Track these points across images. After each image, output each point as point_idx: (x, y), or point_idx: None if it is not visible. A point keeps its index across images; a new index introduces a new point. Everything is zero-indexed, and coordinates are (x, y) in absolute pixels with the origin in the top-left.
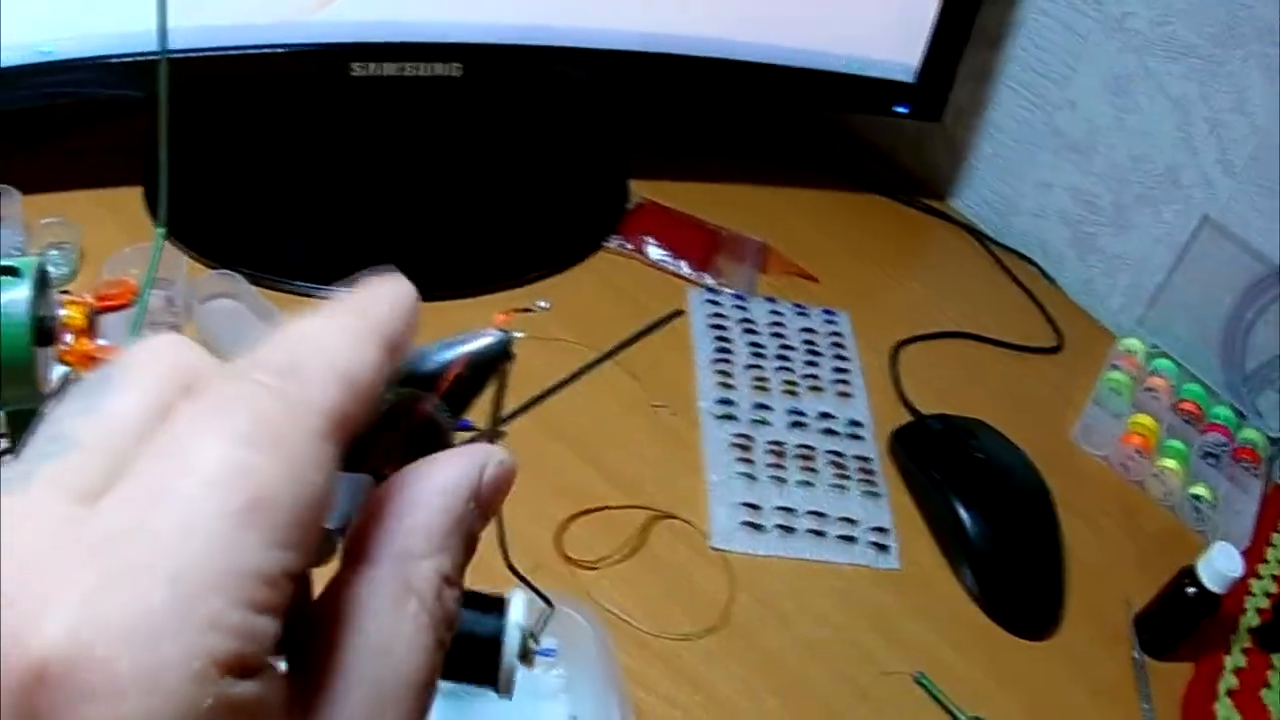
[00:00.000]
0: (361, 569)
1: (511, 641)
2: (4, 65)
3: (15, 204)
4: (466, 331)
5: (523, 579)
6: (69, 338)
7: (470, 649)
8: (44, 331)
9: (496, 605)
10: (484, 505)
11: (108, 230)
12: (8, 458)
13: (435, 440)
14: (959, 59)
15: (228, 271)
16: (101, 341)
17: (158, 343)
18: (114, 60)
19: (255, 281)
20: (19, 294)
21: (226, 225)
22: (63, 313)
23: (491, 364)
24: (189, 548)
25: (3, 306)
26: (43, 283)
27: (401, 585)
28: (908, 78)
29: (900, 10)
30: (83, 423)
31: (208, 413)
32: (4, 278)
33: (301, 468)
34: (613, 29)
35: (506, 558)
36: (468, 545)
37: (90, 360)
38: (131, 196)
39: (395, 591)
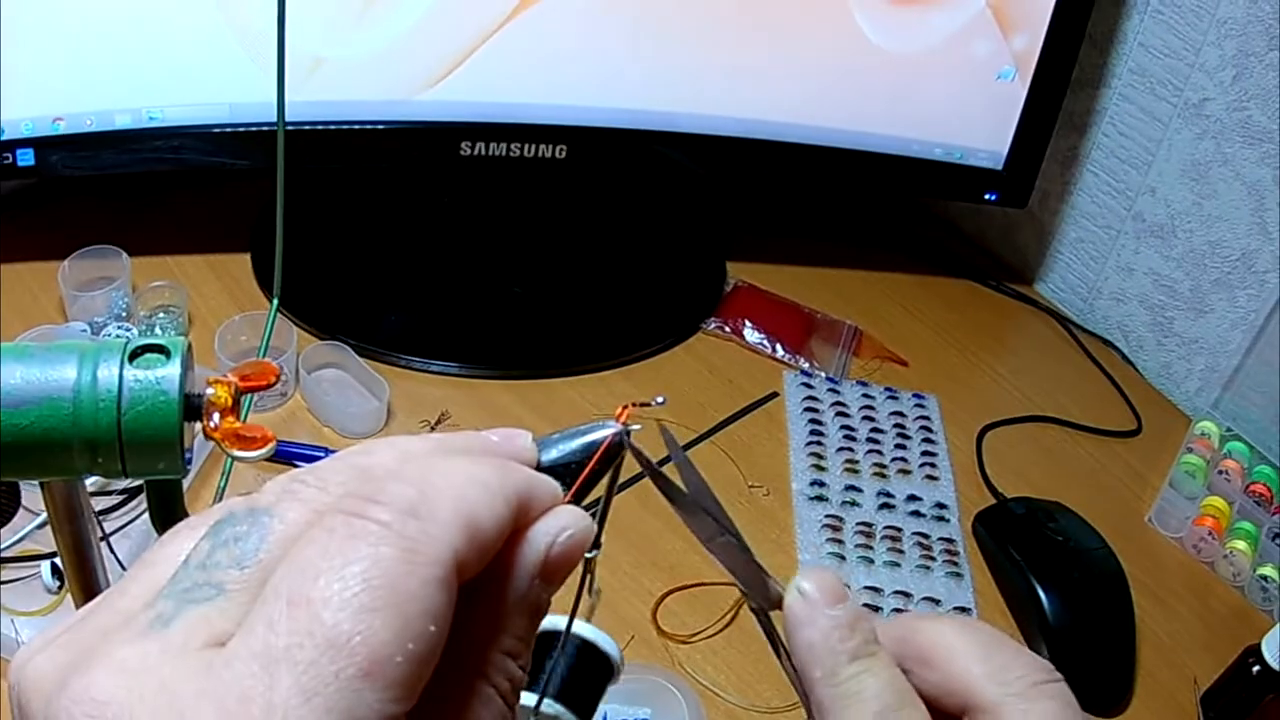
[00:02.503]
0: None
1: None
2: (114, 128)
3: (123, 266)
4: (586, 423)
5: None
6: (216, 417)
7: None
8: (191, 408)
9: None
10: (550, 578)
11: (214, 295)
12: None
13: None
14: (1046, 147)
15: (336, 342)
16: (249, 422)
17: (300, 485)
18: (224, 130)
19: (361, 353)
20: (169, 372)
21: (334, 297)
22: (209, 391)
23: (610, 457)
24: (306, 711)
25: (155, 384)
26: (187, 361)
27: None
28: (996, 165)
29: (988, 99)
30: (228, 572)
31: (330, 557)
32: (155, 356)
33: (417, 622)
34: (712, 114)
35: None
36: (533, 616)
37: (235, 438)
38: (238, 263)
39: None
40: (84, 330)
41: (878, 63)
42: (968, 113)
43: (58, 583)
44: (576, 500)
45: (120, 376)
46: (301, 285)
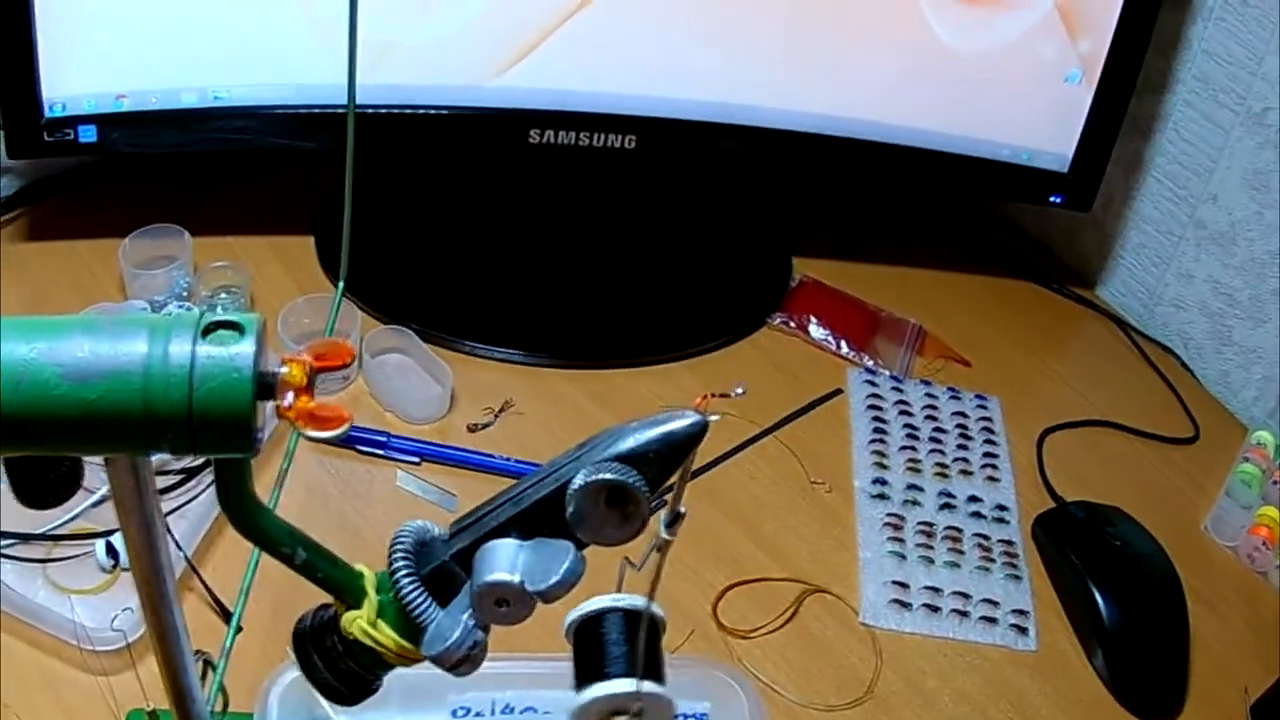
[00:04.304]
0: None
1: None
2: (179, 107)
3: (185, 245)
4: (664, 411)
5: None
6: (290, 396)
7: None
8: (264, 387)
9: None
10: None
11: (277, 277)
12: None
13: (629, 516)
14: (1110, 151)
15: (400, 326)
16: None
17: None
18: (289, 111)
19: (425, 338)
20: (243, 349)
21: (399, 281)
22: (284, 370)
23: (688, 445)
24: None
25: (229, 360)
26: (261, 339)
27: None
28: (1062, 168)
29: (1055, 101)
30: None
31: None
32: (228, 332)
33: None
34: (780, 109)
35: None
36: None
37: (310, 418)
38: (301, 245)
39: None
40: (144, 308)
41: (947, 62)
42: (1034, 114)
43: (112, 561)
44: (653, 488)
45: (193, 352)
46: (366, 269)
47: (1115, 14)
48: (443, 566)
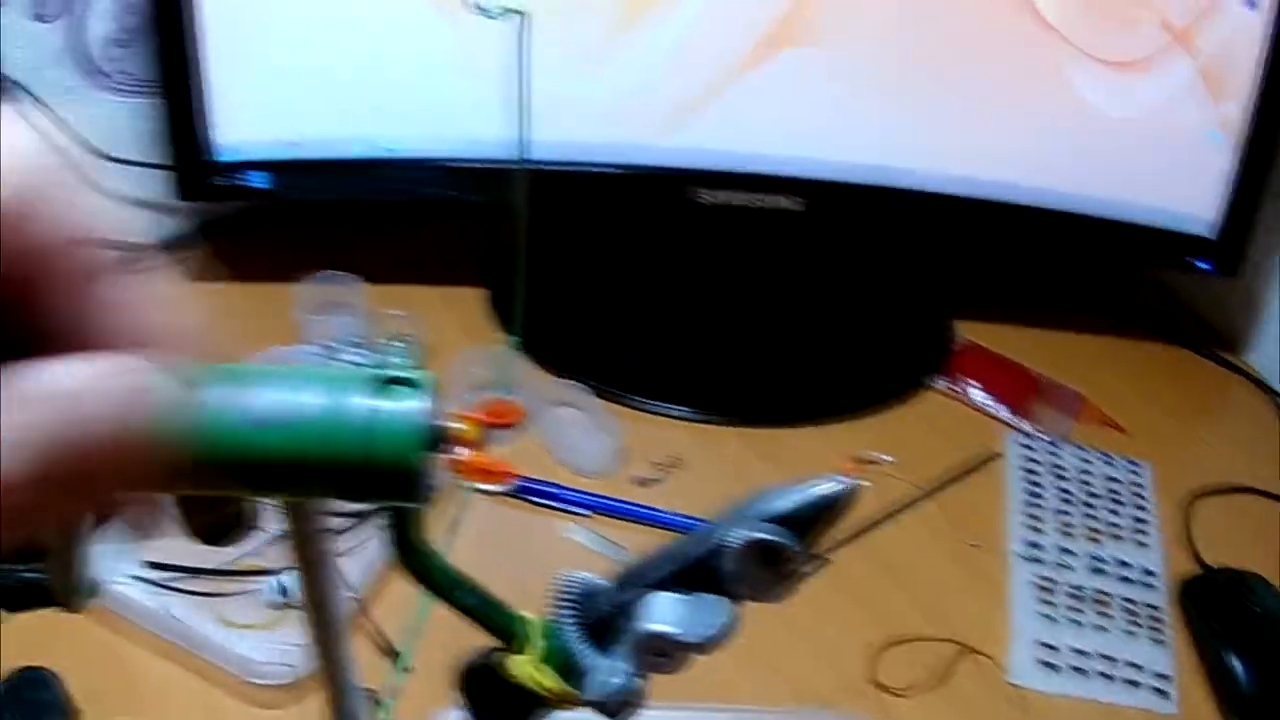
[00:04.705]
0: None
1: None
2: (348, 157)
3: (358, 293)
4: (816, 475)
5: None
6: (464, 450)
7: None
8: (436, 441)
9: None
10: None
11: (447, 327)
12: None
13: (782, 574)
14: (1256, 214)
15: (570, 380)
16: (492, 455)
17: None
18: (461, 165)
19: (596, 393)
20: (418, 404)
21: (571, 335)
22: (457, 425)
23: (837, 508)
24: None
25: (403, 415)
26: (436, 395)
27: None
28: (1207, 233)
29: (1199, 165)
30: None
31: None
32: (404, 389)
33: None
34: (938, 173)
35: None
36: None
37: (482, 473)
38: (472, 297)
39: None
40: (317, 354)
41: (1094, 125)
42: (1178, 178)
43: (282, 599)
44: (805, 551)
45: (370, 406)
46: (537, 322)
47: (1256, 75)
48: (604, 616)
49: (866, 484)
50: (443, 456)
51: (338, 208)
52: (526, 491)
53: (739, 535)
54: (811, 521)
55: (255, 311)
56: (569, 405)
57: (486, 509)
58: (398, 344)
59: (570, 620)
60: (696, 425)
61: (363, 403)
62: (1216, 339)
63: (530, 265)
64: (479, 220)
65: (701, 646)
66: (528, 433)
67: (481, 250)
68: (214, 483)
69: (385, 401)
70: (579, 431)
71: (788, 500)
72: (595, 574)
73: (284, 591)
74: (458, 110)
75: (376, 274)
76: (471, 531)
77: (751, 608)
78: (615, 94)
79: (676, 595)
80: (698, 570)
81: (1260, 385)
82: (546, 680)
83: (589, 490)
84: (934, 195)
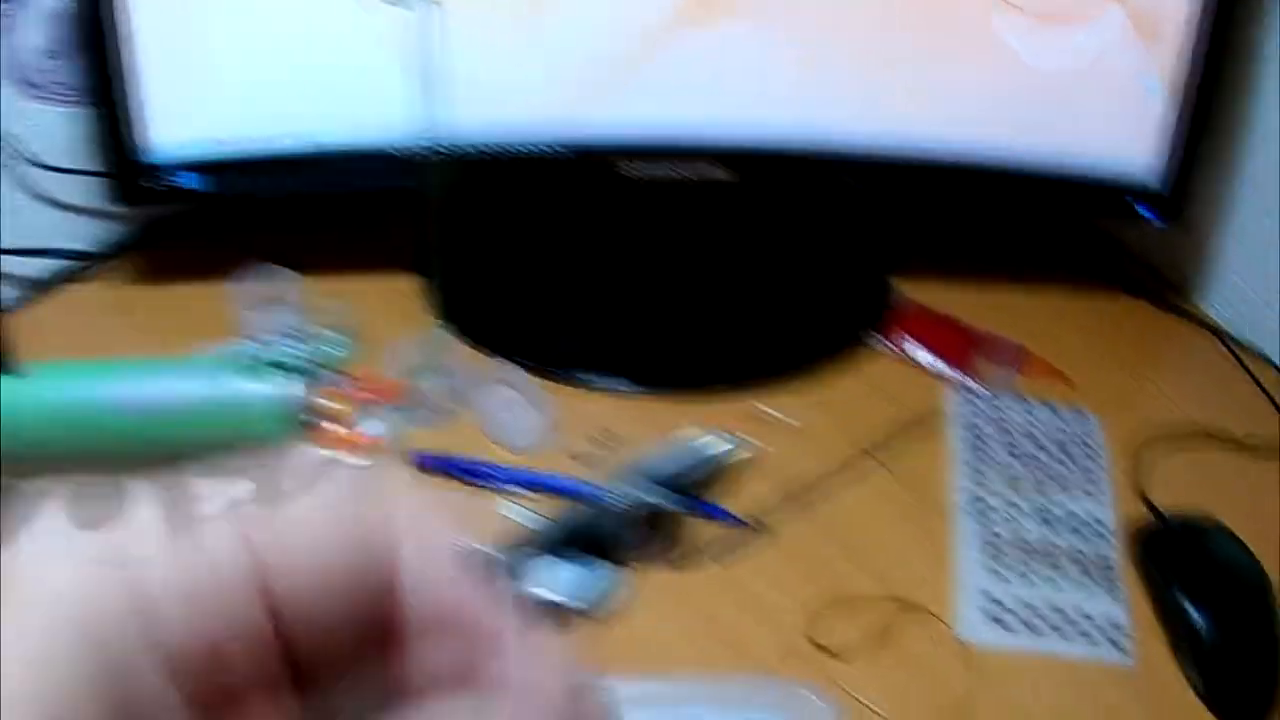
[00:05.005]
0: None
1: None
2: (277, 152)
3: (292, 286)
4: (699, 434)
5: None
6: (330, 424)
7: None
8: (309, 422)
9: None
10: None
11: (384, 317)
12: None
13: (670, 535)
14: (1197, 161)
15: (502, 359)
16: (360, 430)
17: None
18: (389, 153)
19: (528, 371)
20: (290, 389)
21: (503, 316)
22: (327, 404)
23: (720, 468)
24: None
25: (277, 398)
26: (306, 376)
27: None
28: (1148, 181)
29: (1137, 113)
30: None
31: None
32: (279, 372)
33: None
34: (868, 134)
35: None
36: None
37: (343, 445)
38: (407, 284)
39: None
40: (254, 349)
41: (1027, 80)
42: (1117, 128)
43: None
44: (692, 509)
45: (241, 390)
46: (470, 305)
47: (1192, 22)
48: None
49: (754, 443)
50: (312, 433)
51: (275, 203)
52: (461, 470)
53: (621, 499)
54: (696, 482)
55: (195, 310)
56: (502, 384)
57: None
58: (333, 334)
59: None
60: (634, 398)
61: (235, 387)
62: (1169, 288)
63: (464, 248)
64: (411, 207)
65: (584, 612)
66: (460, 414)
67: (414, 237)
68: (90, 466)
69: (256, 385)
70: (511, 409)
71: (671, 462)
72: (491, 546)
73: None
74: (382, 100)
75: (314, 266)
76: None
77: (691, 575)
78: (537, 73)
79: (562, 562)
80: (585, 536)
81: (1214, 331)
82: None
83: (522, 466)
84: (867, 158)
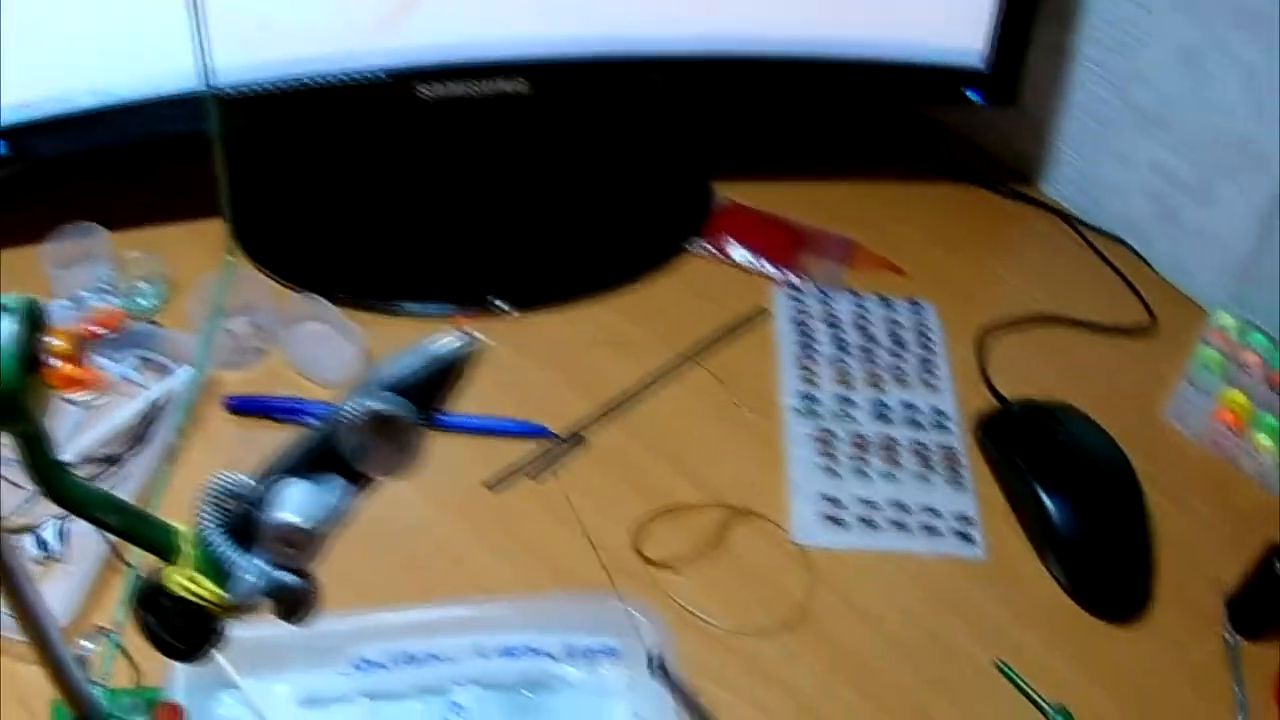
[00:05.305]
0: None
1: None
2: (79, 109)
3: (102, 241)
4: (430, 337)
5: None
6: (56, 362)
7: None
8: (32, 361)
9: None
10: None
11: (197, 261)
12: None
13: (408, 444)
14: (1026, 40)
15: (313, 295)
16: (88, 364)
17: None
18: (175, 99)
19: (340, 303)
20: (7, 327)
21: (310, 250)
22: (53, 341)
23: (456, 367)
24: None
25: None
26: (33, 318)
27: None
28: (977, 64)
29: None
30: None
31: None
32: None
33: None
34: (675, 35)
35: None
36: None
37: (73, 383)
38: (217, 228)
39: None
40: (67, 306)
41: None
42: (941, 11)
43: (43, 553)
44: (424, 412)
45: None
46: (277, 241)
47: None
48: (246, 514)
49: (481, 336)
50: (40, 374)
51: (80, 160)
52: (271, 409)
53: (350, 410)
54: (430, 384)
55: (9, 275)
56: (311, 319)
57: (232, 432)
58: (145, 285)
59: (213, 523)
60: (445, 322)
61: None
62: (1007, 173)
63: (266, 186)
64: (211, 151)
65: (317, 530)
66: (273, 353)
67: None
68: None
69: None
70: (322, 344)
71: (401, 367)
72: (242, 474)
73: (44, 546)
74: (173, 45)
75: (128, 221)
76: (220, 457)
77: (508, 496)
78: (317, 5)
79: (304, 482)
80: (324, 453)
81: (1058, 214)
82: (202, 590)
83: (335, 402)
84: (675, 60)
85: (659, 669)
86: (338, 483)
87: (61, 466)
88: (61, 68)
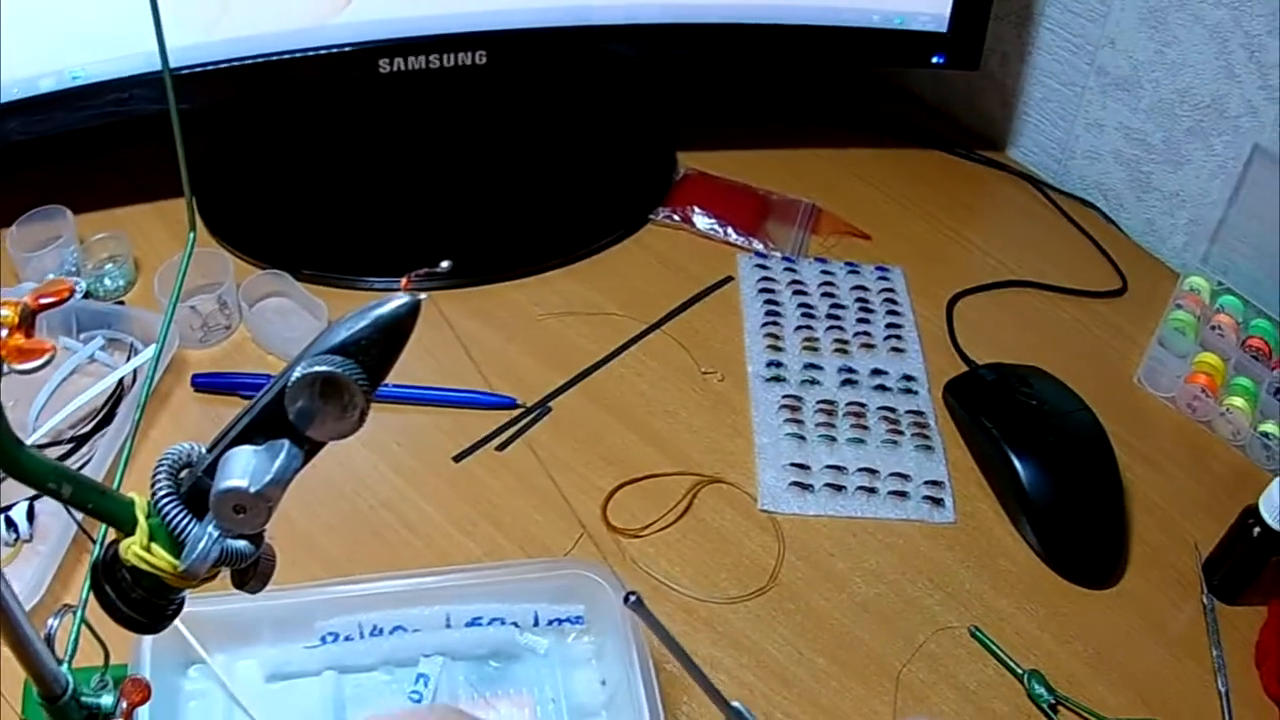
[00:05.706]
0: None
1: None
2: (39, 93)
3: (68, 223)
4: (374, 300)
5: None
6: (2, 332)
7: None
8: None
9: None
10: None
11: (162, 240)
12: None
13: (353, 406)
14: (989, 4)
15: (276, 271)
16: (36, 336)
17: None
18: (137, 79)
19: (303, 279)
20: None
21: (273, 227)
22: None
23: (402, 327)
24: None
25: None
26: None
27: None
28: (940, 27)
29: None
30: None
31: None
32: None
33: None
34: (634, 2)
35: None
36: None
37: (23, 354)
38: (184, 207)
39: None
40: (34, 288)
41: None
42: None
43: (13, 535)
44: (373, 378)
45: None
46: (240, 218)
47: None
48: (198, 483)
49: (423, 297)
50: None
51: (53, 143)
52: (238, 386)
53: (296, 373)
54: (375, 345)
55: None
56: (276, 295)
57: (200, 411)
58: (112, 266)
59: (166, 493)
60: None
61: None
62: (975, 139)
63: (227, 163)
64: (189, 131)
65: (262, 494)
66: (238, 329)
67: (191, 160)
68: None
69: None
70: (287, 319)
71: (346, 328)
72: (196, 444)
73: (13, 528)
74: (132, 26)
75: (93, 203)
76: (188, 435)
77: (474, 466)
78: None
79: (250, 448)
80: (272, 418)
81: (1026, 178)
82: (157, 560)
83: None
84: (635, 27)
85: (636, 604)
86: (284, 446)
87: (16, 439)
88: (22, 52)
